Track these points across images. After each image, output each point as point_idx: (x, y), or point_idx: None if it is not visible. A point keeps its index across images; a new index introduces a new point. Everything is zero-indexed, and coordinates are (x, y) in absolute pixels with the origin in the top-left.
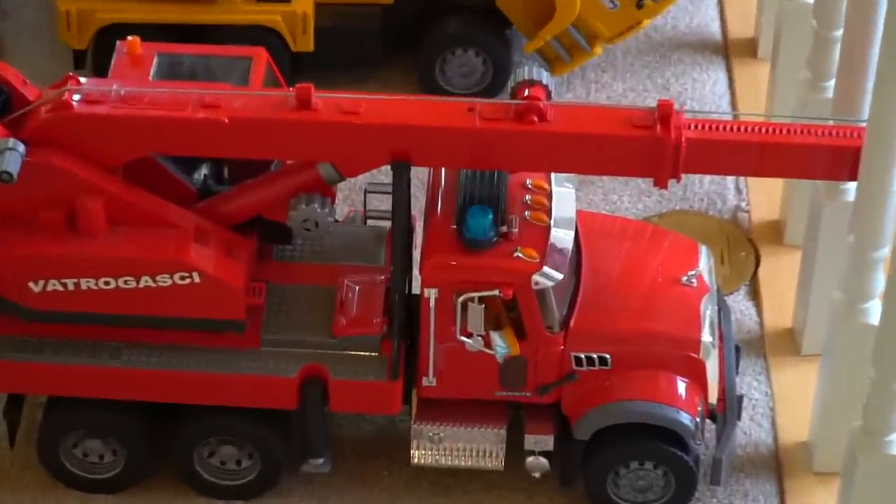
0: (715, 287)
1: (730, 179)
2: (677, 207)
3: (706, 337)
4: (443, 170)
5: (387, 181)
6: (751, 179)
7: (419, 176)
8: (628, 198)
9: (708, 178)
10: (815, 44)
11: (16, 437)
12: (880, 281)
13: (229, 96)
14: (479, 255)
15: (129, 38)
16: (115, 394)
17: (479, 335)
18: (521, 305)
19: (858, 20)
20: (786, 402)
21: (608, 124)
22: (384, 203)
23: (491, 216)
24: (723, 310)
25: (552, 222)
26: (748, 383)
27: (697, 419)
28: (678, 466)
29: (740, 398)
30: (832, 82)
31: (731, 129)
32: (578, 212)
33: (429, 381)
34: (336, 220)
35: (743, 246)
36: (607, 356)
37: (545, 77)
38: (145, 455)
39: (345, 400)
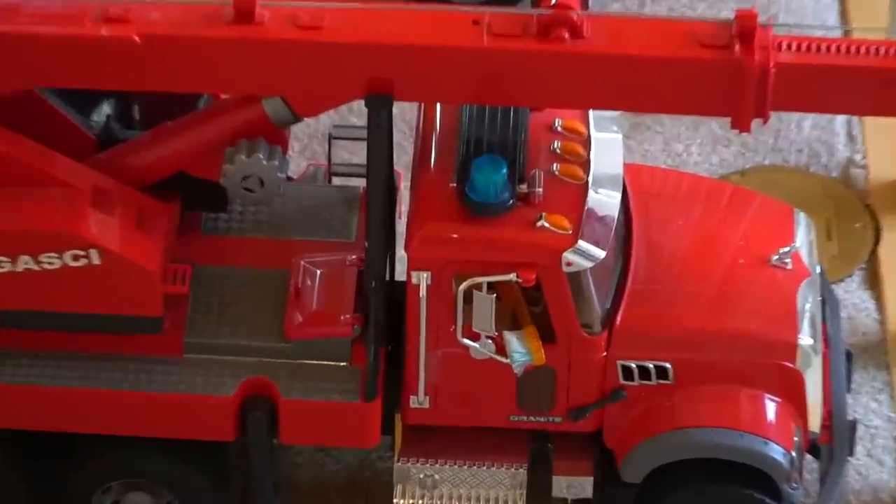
0: (818, 270)
1: (839, 122)
2: (766, 161)
3: (805, 339)
4: (438, 107)
5: (360, 123)
6: (868, 122)
7: (405, 117)
8: (698, 148)
9: (809, 120)
10: None
11: None
12: None
13: (141, 6)
14: (488, 225)
15: None
16: None
17: (488, 337)
18: (547, 295)
19: None
20: None
21: (667, 43)
22: (356, 154)
23: (505, 171)
24: (829, 302)
25: (591, 180)
26: (864, 404)
27: (793, 454)
28: None
29: (853, 425)
30: None
31: (839, 50)
32: (627, 166)
33: (418, 401)
34: (289, 178)
35: (857, 215)
36: (667, 366)
37: None
38: None
39: (301, 428)
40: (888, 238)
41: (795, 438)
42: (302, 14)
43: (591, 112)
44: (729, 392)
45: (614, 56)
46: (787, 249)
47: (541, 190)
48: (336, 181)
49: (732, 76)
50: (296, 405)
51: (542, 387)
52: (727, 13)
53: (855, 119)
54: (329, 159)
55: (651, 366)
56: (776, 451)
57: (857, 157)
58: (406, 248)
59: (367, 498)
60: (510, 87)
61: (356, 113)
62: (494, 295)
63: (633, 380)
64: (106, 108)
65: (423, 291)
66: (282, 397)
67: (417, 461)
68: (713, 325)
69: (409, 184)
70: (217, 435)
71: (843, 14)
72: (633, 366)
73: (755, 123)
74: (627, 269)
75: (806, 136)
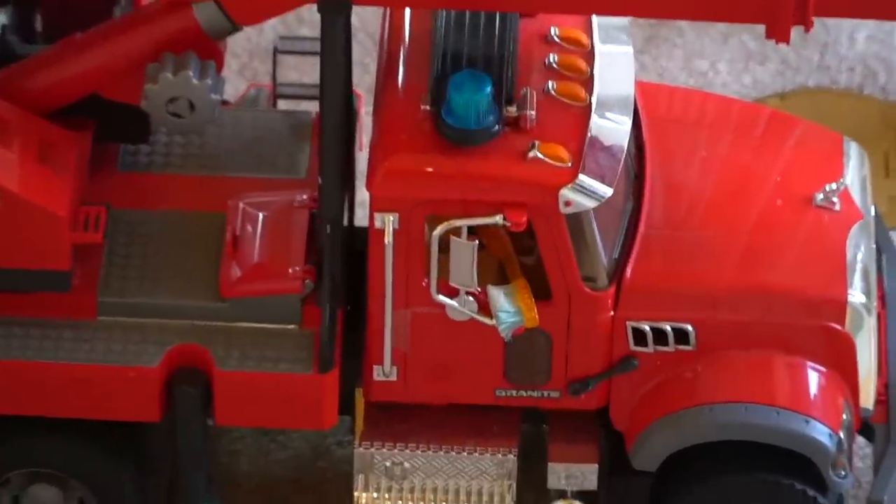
0: (872, 213)
1: None
2: (811, 82)
3: (856, 296)
4: (407, 13)
5: (311, 34)
6: None
7: (368, 28)
8: (727, 65)
9: (863, 30)
10: None
11: None
12: None
13: None
14: (468, 156)
15: None
16: None
17: (468, 293)
18: (541, 243)
19: None
20: None
21: None
22: (307, 73)
23: (489, 90)
24: (886, 252)
25: (594, 101)
26: None
27: (841, 435)
28: None
29: None
30: None
31: None
32: (640, 84)
33: (384, 373)
34: (225, 102)
35: None
36: (688, 329)
37: None
38: None
39: (241, 407)
40: None
41: (844, 416)
42: None
43: (595, 19)
44: (763, 360)
45: None
46: (834, 186)
47: (533, 113)
48: (282, 105)
49: None
50: (234, 378)
51: (534, 354)
52: None
53: None
54: (274, 79)
55: (668, 328)
56: (820, 432)
57: None
58: (368, 186)
59: (320, 492)
60: None
61: (307, 23)
62: (476, 242)
63: (646, 345)
64: (0, 17)
65: (388, 238)
66: (217, 368)
67: (383, 446)
68: (744, 279)
69: (371, 109)
70: (138, 415)
71: None
72: (647, 328)
73: (796, 33)
74: (640, 212)
75: (860, 50)
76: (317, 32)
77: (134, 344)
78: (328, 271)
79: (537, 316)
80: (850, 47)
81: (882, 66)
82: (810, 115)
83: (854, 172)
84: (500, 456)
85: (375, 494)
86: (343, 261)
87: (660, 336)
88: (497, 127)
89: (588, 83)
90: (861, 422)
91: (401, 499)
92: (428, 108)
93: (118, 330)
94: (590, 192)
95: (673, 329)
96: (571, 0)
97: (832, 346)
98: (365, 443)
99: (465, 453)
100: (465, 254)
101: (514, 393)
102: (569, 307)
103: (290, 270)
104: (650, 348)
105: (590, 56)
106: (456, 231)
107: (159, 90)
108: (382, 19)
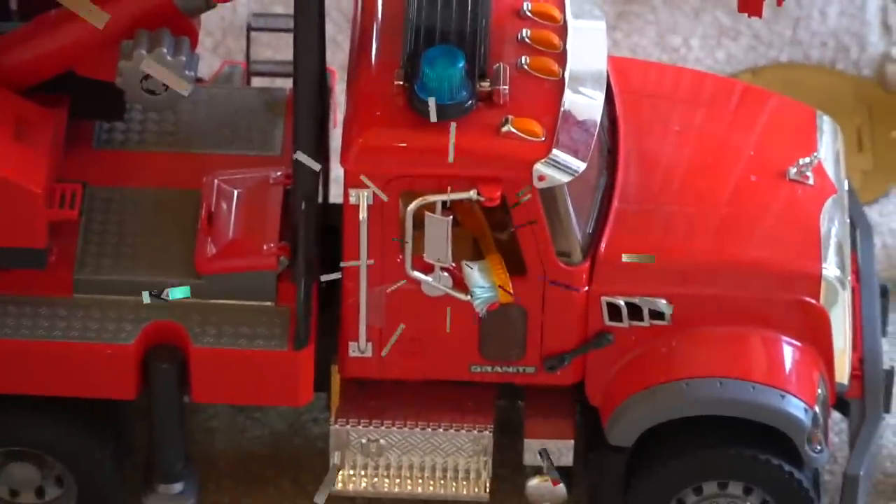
0: (846, 187)
1: (872, 9)
2: (783, 57)
3: (830, 270)
4: None
5: (284, 11)
6: None
7: (340, 4)
8: (700, 41)
9: (835, 5)
10: None
11: None
12: None
13: None
14: (442, 132)
15: None
16: None
17: (443, 269)
18: (515, 218)
19: None
20: None
21: None
22: (281, 50)
23: (462, 64)
24: (859, 226)
25: (567, 76)
26: None
27: (816, 409)
28: (784, 489)
29: (890, 374)
30: None
31: None
32: (613, 59)
33: (359, 349)
34: (199, 80)
35: (895, 121)
36: (663, 304)
37: None
38: None
39: (217, 384)
40: None
41: (819, 391)
42: None
43: None
44: (738, 335)
45: None
46: (808, 160)
47: (506, 88)
48: (256, 82)
49: None
50: (210, 355)
51: (509, 330)
52: None
53: (892, 5)
54: (247, 56)
55: (643, 303)
56: (796, 407)
57: (895, 51)
58: (342, 162)
59: (297, 469)
60: None
61: (280, 0)
62: (451, 217)
63: (621, 320)
64: None
65: (363, 213)
66: (193, 345)
67: (359, 423)
68: (718, 254)
69: (345, 86)
70: (115, 392)
71: None
72: (622, 303)
73: (768, 8)
74: (613, 186)
75: (832, 25)
76: (290, 9)
77: (110, 321)
78: (303, 248)
79: (512, 291)
80: (822, 22)
81: (854, 40)
82: (783, 90)
83: (827, 146)
84: (475, 432)
85: (351, 471)
86: (318, 237)
87: (634, 311)
88: (470, 102)
89: (561, 58)
90: (836, 397)
91: (377, 476)
92: (401, 83)
93: (94, 307)
94: (563, 166)
95: (647, 305)
96: None
97: (807, 321)
98: (340, 420)
99: (440, 430)
100: (439, 229)
101: (489, 369)
102: (544, 282)
103: (265, 247)
104: (625, 323)
105: (562, 31)
106: (430, 206)
107: (132, 68)
108: None
